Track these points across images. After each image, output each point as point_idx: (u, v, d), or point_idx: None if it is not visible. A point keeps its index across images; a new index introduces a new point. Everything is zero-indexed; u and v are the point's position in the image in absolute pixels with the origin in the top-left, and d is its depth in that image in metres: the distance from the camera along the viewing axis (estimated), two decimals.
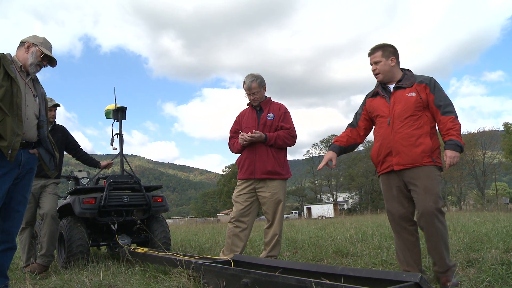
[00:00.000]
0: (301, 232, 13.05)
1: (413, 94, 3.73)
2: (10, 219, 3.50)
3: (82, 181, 7.13)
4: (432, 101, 3.70)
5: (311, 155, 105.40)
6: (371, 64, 3.95)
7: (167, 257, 4.58)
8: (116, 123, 6.46)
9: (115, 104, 6.48)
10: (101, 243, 6.23)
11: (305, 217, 73.74)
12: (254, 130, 4.86)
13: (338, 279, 2.90)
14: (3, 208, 3.47)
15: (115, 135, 6.40)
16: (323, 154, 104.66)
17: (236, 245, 4.84)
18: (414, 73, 3.91)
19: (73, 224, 5.77)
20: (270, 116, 4.97)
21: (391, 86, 3.89)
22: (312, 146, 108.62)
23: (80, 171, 7.56)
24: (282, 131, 4.89)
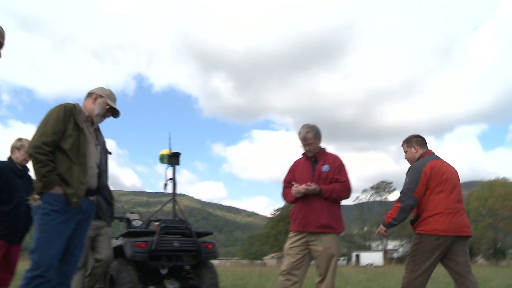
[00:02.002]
0: (350, 282, 12.74)
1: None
2: (68, 262, 3.60)
3: (134, 223, 7.25)
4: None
5: (360, 201, 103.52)
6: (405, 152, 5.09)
7: None
8: (170, 168, 6.60)
9: (170, 150, 6.63)
10: (150, 287, 6.25)
11: (353, 264, 71.90)
12: (309, 183, 4.78)
13: None
14: (63, 253, 3.56)
15: (169, 180, 6.53)
16: (372, 200, 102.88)
17: None
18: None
19: (124, 267, 5.85)
20: (325, 168, 4.89)
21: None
22: (362, 192, 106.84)
23: (132, 212, 7.71)
24: (338, 184, 4.79)
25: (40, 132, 3.48)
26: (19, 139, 4.98)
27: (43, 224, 3.40)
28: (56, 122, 3.52)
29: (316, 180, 4.84)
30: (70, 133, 3.57)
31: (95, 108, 3.89)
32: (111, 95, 4.01)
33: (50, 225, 3.41)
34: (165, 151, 6.70)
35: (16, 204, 4.71)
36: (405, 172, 4.83)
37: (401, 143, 5.15)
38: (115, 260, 6.07)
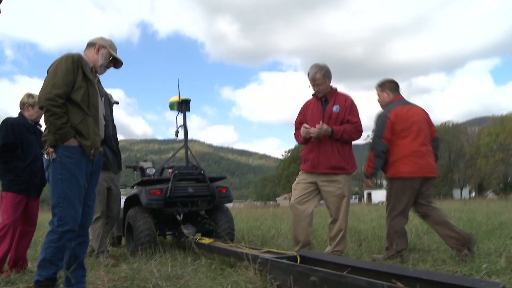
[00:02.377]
0: (363, 221, 12.91)
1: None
2: (84, 214, 3.62)
3: (147, 171, 7.31)
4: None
5: (371, 140, 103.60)
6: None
7: (233, 250, 4.62)
8: (181, 115, 6.57)
9: (179, 96, 6.57)
10: (167, 233, 6.37)
11: (365, 202, 72.77)
12: (320, 122, 4.77)
13: (409, 282, 2.82)
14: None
15: (179, 127, 6.51)
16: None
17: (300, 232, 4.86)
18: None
19: (140, 214, 5.94)
20: (336, 108, 4.84)
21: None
22: (372, 131, 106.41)
23: (145, 160, 7.74)
24: (349, 125, 4.75)
25: (50, 84, 3.38)
26: (31, 95, 4.94)
27: (63, 178, 3.39)
28: (66, 73, 3.44)
29: (327, 121, 4.81)
30: (80, 85, 3.51)
31: (98, 58, 3.80)
32: (112, 45, 3.92)
33: (69, 178, 3.40)
34: (175, 98, 6.64)
35: (32, 159, 4.75)
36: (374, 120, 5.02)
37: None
38: (131, 208, 6.16)
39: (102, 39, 3.89)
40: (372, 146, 4.94)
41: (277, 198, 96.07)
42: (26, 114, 4.90)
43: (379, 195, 75.00)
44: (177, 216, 6.11)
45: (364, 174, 5.06)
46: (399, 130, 4.79)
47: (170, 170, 6.58)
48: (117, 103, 5.98)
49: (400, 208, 4.79)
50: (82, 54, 3.79)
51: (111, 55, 3.87)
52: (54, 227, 3.36)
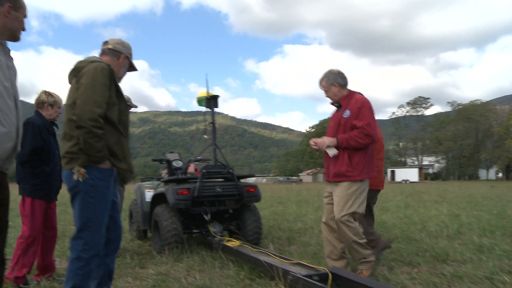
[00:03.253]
0: (388, 209, 12.71)
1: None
2: (115, 228, 3.53)
3: (174, 163, 7.21)
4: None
5: (396, 116, 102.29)
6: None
7: (262, 260, 4.49)
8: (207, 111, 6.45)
9: (207, 92, 6.42)
10: (194, 231, 6.30)
11: (389, 180, 72.30)
12: (313, 140, 4.81)
13: None
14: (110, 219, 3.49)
15: (208, 124, 6.37)
16: (409, 115, 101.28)
17: (332, 250, 4.70)
18: None
19: (167, 213, 5.87)
20: (346, 113, 4.61)
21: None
22: (398, 107, 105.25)
23: (171, 152, 7.62)
24: (355, 131, 4.48)
25: (91, 101, 3.12)
26: (50, 94, 4.81)
27: (94, 201, 3.24)
28: (104, 89, 3.22)
29: (336, 128, 4.68)
30: (114, 101, 3.33)
31: (120, 70, 3.63)
32: (131, 51, 3.74)
33: (101, 201, 3.28)
34: (203, 93, 6.49)
35: (54, 163, 4.67)
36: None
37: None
38: (159, 206, 6.10)
39: (124, 45, 3.67)
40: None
41: (300, 174, 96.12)
42: (45, 113, 4.77)
43: (402, 173, 74.41)
44: (204, 216, 6.03)
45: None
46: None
47: (198, 168, 6.50)
48: (135, 106, 5.82)
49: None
50: (98, 56, 3.59)
51: (130, 63, 3.72)
52: (79, 253, 3.22)
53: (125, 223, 8.92)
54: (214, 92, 6.50)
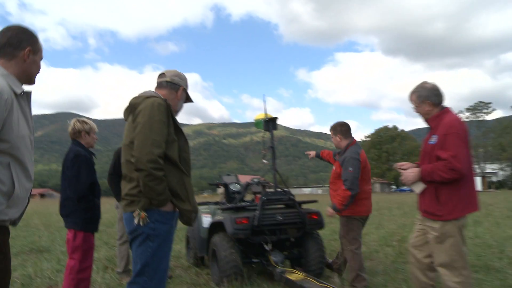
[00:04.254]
0: None
1: (334, 168, 5.69)
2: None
3: (232, 187, 6.92)
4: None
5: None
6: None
7: None
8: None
9: (265, 113, 6.09)
10: (253, 260, 5.96)
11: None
12: (400, 164, 4.22)
13: None
14: None
15: (267, 148, 6.04)
16: (469, 120, 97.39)
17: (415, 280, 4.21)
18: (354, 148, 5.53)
19: (226, 243, 5.58)
20: (432, 140, 3.94)
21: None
22: (457, 114, 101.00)
23: (228, 175, 7.35)
24: (440, 163, 3.82)
25: (149, 141, 2.89)
26: (84, 122, 4.66)
27: (155, 246, 3.02)
28: (162, 127, 2.99)
29: (422, 156, 4.11)
30: (173, 138, 3.10)
31: (178, 104, 3.42)
32: (188, 83, 3.54)
33: (163, 246, 3.05)
34: (261, 115, 6.16)
35: (100, 195, 4.53)
36: (343, 159, 5.40)
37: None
38: (216, 235, 5.81)
39: (181, 77, 3.46)
40: (350, 186, 5.20)
41: None
42: (83, 141, 4.61)
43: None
44: (265, 246, 5.68)
45: (333, 207, 5.35)
46: (362, 172, 5.39)
47: (255, 192, 6.19)
48: None
49: (359, 242, 5.58)
50: (154, 91, 3.37)
51: (187, 95, 3.50)
52: None
53: (181, 247, 8.72)
54: (268, 105, 6.18)
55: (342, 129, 5.67)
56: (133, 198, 3.02)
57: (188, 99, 3.58)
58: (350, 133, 5.70)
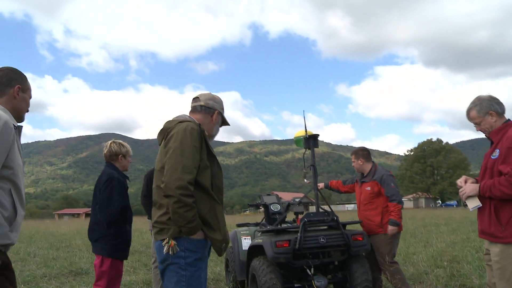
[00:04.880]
0: None
1: (369, 188, 5.98)
2: None
3: (272, 207, 6.66)
4: (383, 192, 5.84)
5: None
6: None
7: None
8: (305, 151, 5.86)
9: (306, 130, 5.82)
10: (295, 285, 5.64)
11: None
12: (459, 181, 3.87)
13: None
14: None
15: (308, 167, 5.77)
16: None
17: None
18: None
19: (266, 268, 5.31)
20: (495, 154, 3.59)
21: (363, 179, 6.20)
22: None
23: (268, 194, 7.09)
24: (502, 178, 3.46)
25: (180, 167, 2.78)
26: (121, 144, 4.53)
27: (188, 275, 2.86)
28: (194, 152, 2.87)
29: (483, 171, 3.73)
30: (206, 164, 2.95)
31: (214, 128, 3.28)
32: (223, 106, 3.38)
33: (193, 276, 2.88)
34: (300, 132, 5.89)
35: (131, 221, 4.35)
36: (381, 177, 5.91)
37: None
38: (256, 259, 5.55)
39: (216, 101, 3.32)
40: (399, 200, 5.80)
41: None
42: (118, 165, 4.46)
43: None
44: (307, 271, 5.38)
45: (394, 222, 5.73)
46: None
47: (297, 213, 5.90)
48: None
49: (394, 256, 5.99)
50: (188, 115, 3.24)
51: (223, 119, 3.35)
52: None
53: (221, 269, 8.48)
54: (308, 121, 5.92)
55: (363, 153, 6.22)
56: (163, 226, 2.88)
57: (224, 123, 3.42)
58: (371, 157, 6.29)
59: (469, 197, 3.69)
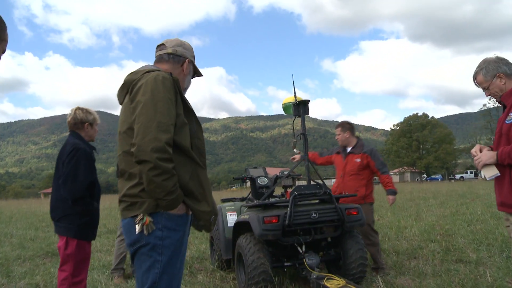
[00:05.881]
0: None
1: (358, 160, 6.03)
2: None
3: (259, 181, 6.19)
4: (373, 165, 6.03)
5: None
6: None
7: None
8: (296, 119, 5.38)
9: (295, 96, 5.33)
10: (285, 264, 5.21)
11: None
12: (473, 150, 3.39)
13: None
14: None
15: (298, 135, 5.28)
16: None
17: None
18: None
19: (253, 246, 4.86)
20: (509, 118, 3.19)
21: (348, 149, 6.22)
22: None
23: (255, 167, 6.60)
24: None
25: (154, 124, 2.22)
26: (87, 111, 3.99)
27: (162, 260, 2.34)
28: (169, 105, 2.31)
29: (498, 137, 3.30)
30: (183, 121, 2.40)
31: (186, 79, 2.72)
32: (194, 54, 2.83)
33: (171, 260, 2.37)
34: (289, 98, 5.40)
35: (99, 196, 3.89)
36: (370, 151, 6.10)
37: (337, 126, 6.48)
38: (242, 236, 5.10)
39: (185, 47, 2.75)
40: (387, 171, 6.11)
41: None
42: (83, 134, 3.94)
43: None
44: (298, 248, 4.95)
45: (393, 191, 6.04)
46: None
47: (289, 190, 5.46)
48: None
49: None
50: (154, 65, 2.69)
51: (195, 69, 2.81)
52: None
53: (206, 247, 8.05)
54: (291, 93, 5.42)
55: (349, 126, 6.29)
56: (134, 199, 2.33)
57: (196, 73, 2.85)
58: (355, 131, 6.42)
59: (485, 165, 3.24)
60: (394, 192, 6.02)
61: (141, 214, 2.29)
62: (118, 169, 2.48)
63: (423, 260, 6.35)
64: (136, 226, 2.30)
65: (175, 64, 2.68)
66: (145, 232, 2.28)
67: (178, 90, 2.42)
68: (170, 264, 2.35)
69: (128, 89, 2.47)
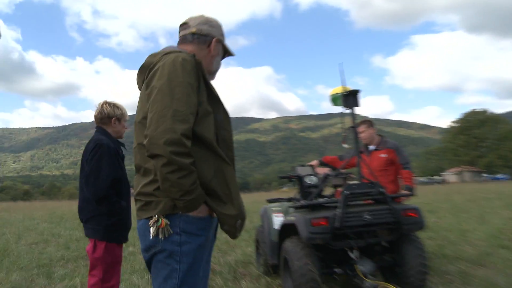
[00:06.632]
0: None
1: (385, 155, 5.95)
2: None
3: (307, 180, 5.73)
4: (397, 161, 5.91)
5: None
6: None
7: None
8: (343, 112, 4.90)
9: (344, 87, 4.86)
10: (335, 270, 4.76)
11: None
12: None
13: None
14: None
15: (347, 129, 4.82)
16: None
17: None
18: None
19: (300, 251, 4.44)
20: None
21: (371, 147, 6.14)
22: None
23: (302, 165, 6.14)
24: None
25: (170, 114, 1.88)
26: (115, 106, 3.69)
27: (180, 268, 1.99)
28: (189, 91, 1.95)
29: None
30: (207, 109, 2.05)
31: (213, 61, 2.35)
32: (223, 32, 2.45)
33: (191, 268, 2.01)
34: (338, 89, 4.93)
35: (128, 195, 3.60)
36: (396, 146, 5.98)
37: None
38: (289, 240, 4.69)
39: (212, 25, 2.37)
40: (412, 169, 5.92)
41: (443, 174, 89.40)
42: (111, 130, 3.66)
43: None
44: (349, 254, 4.50)
45: (409, 188, 5.71)
46: None
47: (336, 185, 5.01)
48: None
49: None
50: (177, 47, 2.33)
51: (225, 49, 2.42)
52: None
53: (252, 250, 7.66)
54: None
55: (372, 123, 6.20)
56: (149, 198, 2.00)
57: (227, 53, 2.47)
58: None
59: None
60: (410, 189, 5.69)
61: (156, 216, 1.96)
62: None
63: (495, 270, 5.71)
64: (151, 229, 1.97)
65: (201, 45, 2.30)
66: (160, 236, 1.95)
67: (201, 74, 2.06)
68: (190, 273, 1.99)
69: (145, 74, 2.13)
